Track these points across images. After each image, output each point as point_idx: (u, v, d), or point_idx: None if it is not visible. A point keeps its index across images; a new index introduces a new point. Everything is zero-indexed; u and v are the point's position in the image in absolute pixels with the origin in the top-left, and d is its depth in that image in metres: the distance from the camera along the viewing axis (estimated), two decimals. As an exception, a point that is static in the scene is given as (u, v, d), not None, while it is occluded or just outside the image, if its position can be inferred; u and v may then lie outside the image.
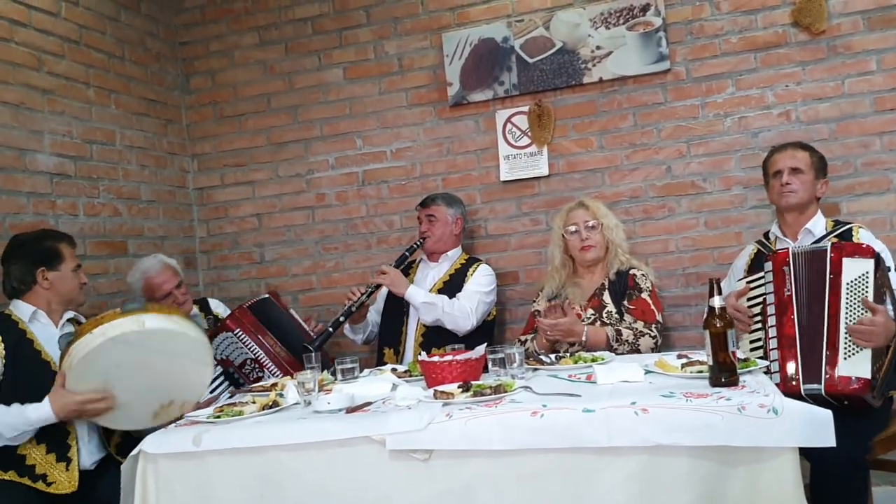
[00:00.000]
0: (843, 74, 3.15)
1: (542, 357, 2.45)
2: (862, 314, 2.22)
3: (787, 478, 1.64)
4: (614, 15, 3.37)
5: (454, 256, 3.32)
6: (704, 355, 1.92)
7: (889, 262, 2.39)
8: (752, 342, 2.48)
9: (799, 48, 3.20)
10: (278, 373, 2.96)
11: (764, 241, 2.76)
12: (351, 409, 1.98)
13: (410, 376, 2.46)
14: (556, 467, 1.75)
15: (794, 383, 2.24)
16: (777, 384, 2.15)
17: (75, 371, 2.16)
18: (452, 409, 1.87)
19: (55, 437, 2.34)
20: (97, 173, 3.36)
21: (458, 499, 1.79)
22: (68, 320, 2.53)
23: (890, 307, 2.25)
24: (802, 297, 2.33)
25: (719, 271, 3.12)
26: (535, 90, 3.49)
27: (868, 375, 2.18)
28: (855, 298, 2.24)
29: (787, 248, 2.44)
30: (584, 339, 2.67)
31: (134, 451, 1.97)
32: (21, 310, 2.45)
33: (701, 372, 1.97)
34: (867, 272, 2.25)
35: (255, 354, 3.01)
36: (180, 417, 2.22)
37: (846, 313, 2.24)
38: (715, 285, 1.88)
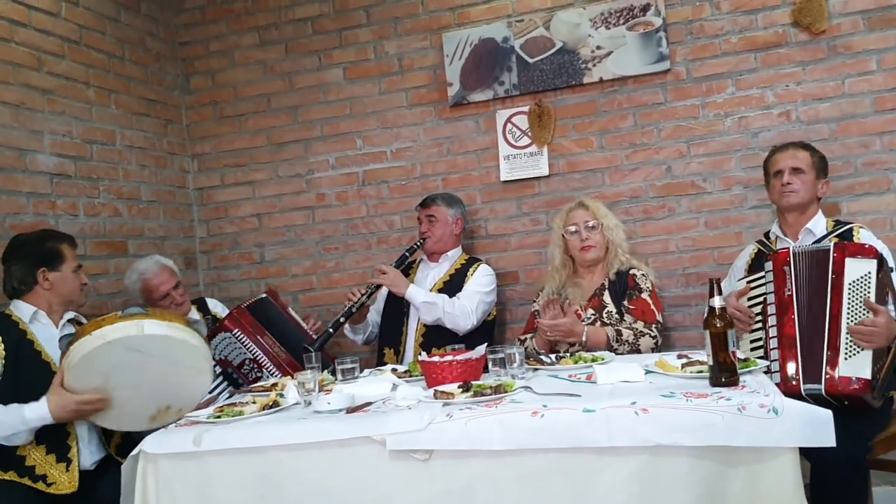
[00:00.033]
0: (843, 74, 3.15)
1: (543, 357, 2.45)
2: (863, 315, 2.22)
3: (788, 478, 1.64)
4: (614, 15, 3.37)
5: (454, 257, 3.32)
6: (704, 355, 1.92)
7: (891, 262, 2.39)
8: (752, 342, 2.49)
9: (799, 48, 3.20)
10: (277, 373, 2.96)
11: (764, 240, 2.76)
12: (351, 410, 1.98)
13: (410, 376, 2.46)
14: (556, 467, 1.75)
15: (794, 383, 2.24)
16: (777, 384, 2.15)
17: (74, 371, 2.16)
18: (452, 409, 1.87)
19: (55, 437, 2.34)
20: (97, 173, 3.36)
21: (459, 499, 1.79)
22: (69, 321, 2.53)
23: (892, 308, 2.25)
24: (803, 296, 2.32)
25: (719, 271, 3.12)
26: (536, 90, 3.49)
27: (868, 376, 2.17)
28: (857, 299, 2.24)
29: (788, 248, 2.44)
30: (584, 339, 2.67)
31: (134, 452, 1.97)
32: (21, 310, 2.45)
33: (701, 372, 1.97)
34: (869, 272, 2.25)
35: (253, 355, 3.01)
36: (178, 419, 2.22)
37: (848, 313, 2.24)
38: (715, 285, 1.88)
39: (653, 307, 2.79)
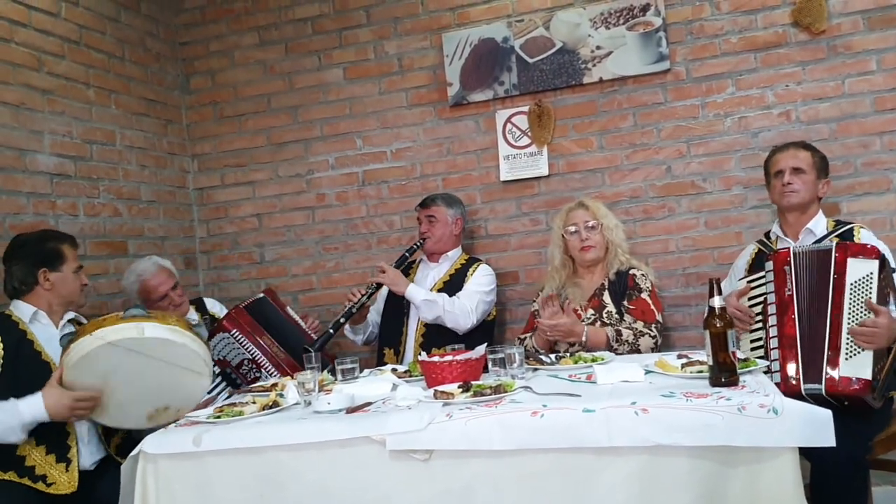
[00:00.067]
0: (843, 74, 3.15)
1: (543, 357, 2.45)
2: (864, 315, 2.22)
3: (787, 478, 1.64)
4: (614, 15, 3.37)
5: (454, 257, 3.32)
6: (704, 355, 1.92)
7: (893, 262, 2.39)
8: (752, 342, 2.49)
9: (799, 48, 3.20)
10: (276, 373, 2.96)
11: (765, 240, 2.77)
12: (351, 410, 1.98)
13: (410, 376, 2.46)
14: (556, 467, 1.75)
15: (794, 383, 2.24)
16: (777, 384, 2.15)
17: (73, 369, 2.16)
18: (452, 409, 1.87)
19: (55, 437, 2.34)
20: (97, 173, 3.36)
21: (458, 499, 1.79)
22: (69, 321, 2.53)
23: (893, 308, 2.25)
24: (804, 296, 2.32)
25: (719, 271, 3.12)
26: (535, 90, 3.49)
27: (869, 376, 2.17)
28: (858, 299, 2.24)
29: (789, 248, 2.44)
30: (584, 339, 2.67)
31: (134, 452, 1.96)
32: (22, 310, 2.45)
33: (701, 372, 1.97)
34: (871, 273, 2.24)
35: (252, 355, 3.01)
36: (176, 420, 2.22)
37: (849, 314, 2.24)
38: (715, 285, 1.88)
39: (652, 307, 2.79)
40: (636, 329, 2.72)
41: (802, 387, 2.23)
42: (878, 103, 3.12)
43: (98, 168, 3.36)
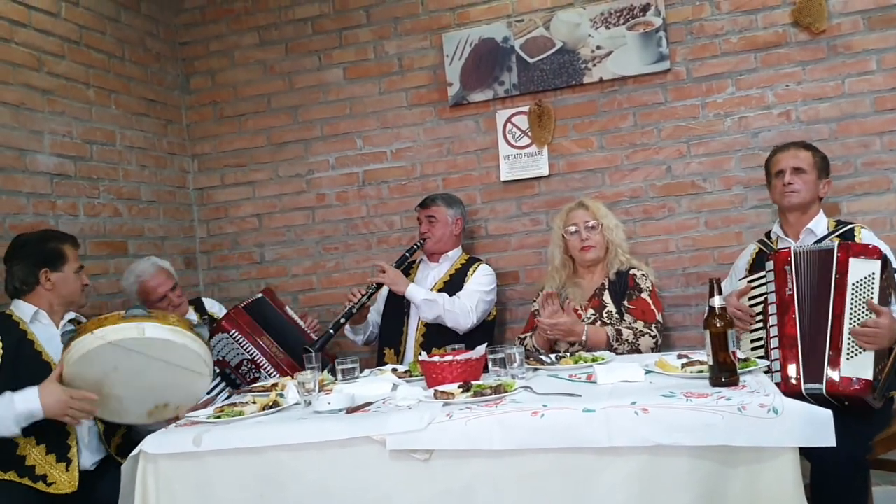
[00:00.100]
0: (843, 74, 3.15)
1: (543, 357, 2.45)
2: (866, 315, 2.22)
3: (788, 478, 1.64)
4: (614, 15, 3.37)
5: (454, 257, 3.32)
6: (704, 355, 1.92)
7: (894, 263, 2.39)
8: (752, 341, 2.49)
9: (799, 48, 3.20)
10: (275, 373, 2.96)
11: (765, 240, 2.77)
12: (351, 410, 1.98)
13: (411, 376, 2.46)
14: (556, 467, 1.75)
15: (795, 383, 2.24)
16: (777, 384, 2.15)
17: (72, 367, 2.16)
18: (453, 409, 1.87)
19: (55, 437, 2.34)
20: (97, 174, 3.36)
21: (459, 499, 1.79)
22: (69, 321, 2.52)
23: (895, 309, 2.25)
24: (805, 296, 2.32)
25: (719, 271, 3.12)
26: (536, 90, 3.49)
27: (870, 377, 2.17)
28: (860, 299, 2.24)
29: (789, 248, 2.44)
30: (584, 338, 2.67)
31: (134, 452, 1.97)
32: (22, 310, 2.45)
33: (701, 372, 1.97)
34: (873, 273, 2.24)
35: (251, 355, 3.01)
36: (176, 419, 2.22)
37: (850, 314, 2.24)
38: (715, 285, 1.88)
39: (653, 307, 2.79)
40: (636, 329, 2.72)
41: (803, 386, 2.23)
42: (878, 103, 3.12)
43: (98, 168, 3.36)
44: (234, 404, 2.18)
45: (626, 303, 2.82)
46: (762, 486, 1.66)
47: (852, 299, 2.25)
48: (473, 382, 2.09)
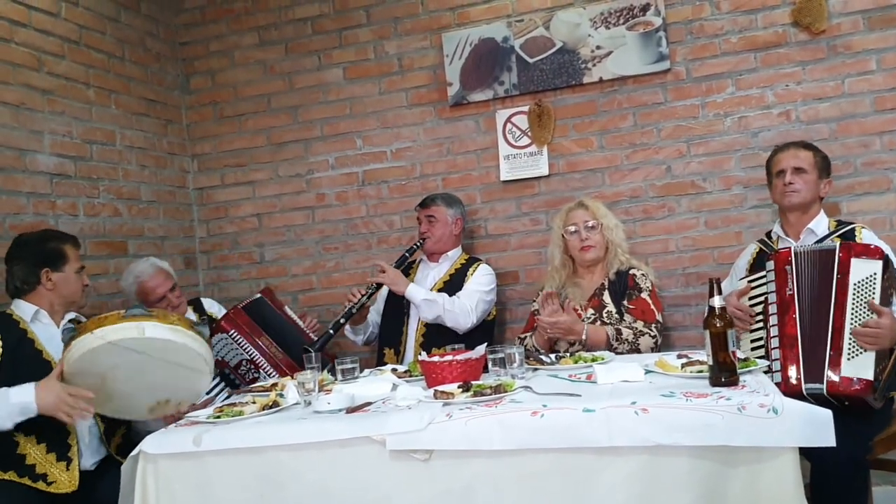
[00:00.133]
0: (843, 74, 3.15)
1: (543, 357, 2.45)
2: (867, 315, 2.21)
3: (788, 478, 1.64)
4: (614, 15, 3.37)
5: (454, 257, 3.32)
6: (704, 355, 1.92)
7: (895, 262, 2.39)
8: (753, 341, 2.48)
9: (799, 48, 3.20)
10: (274, 374, 2.96)
11: (766, 240, 2.76)
12: (351, 410, 1.98)
13: (410, 376, 2.46)
14: (556, 467, 1.75)
15: (795, 383, 2.24)
16: (777, 384, 2.15)
17: (73, 366, 2.16)
18: (452, 409, 1.87)
19: (55, 436, 2.34)
20: (97, 173, 3.36)
21: (459, 499, 1.79)
22: (69, 321, 2.52)
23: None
24: (805, 296, 2.32)
25: (719, 271, 3.12)
26: (535, 90, 3.49)
27: (871, 377, 2.17)
28: (861, 299, 2.23)
29: (790, 248, 2.44)
30: (583, 337, 2.67)
31: (134, 452, 1.96)
32: (23, 309, 2.45)
33: (701, 372, 1.97)
34: (875, 273, 2.24)
35: (250, 355, 3.00)
36: (176, 417, 2.23)
37: (852, 314, 2.23)
38: (715, 285, 1.88)
39: (652, 307, 2.79)
40: (636, 328, 2.72)
41: (803, 386, 2.23)
42: (878, 103, 3.12)
43: (98, 168, 3.36)
44: (233, 404, 2.18)
45: (625, 303, 2.82)
46: (762, 486, 1.66)
47: (854, 299, 2.24)
48: (473, 382, 2.09)
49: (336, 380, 2.42)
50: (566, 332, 2.67)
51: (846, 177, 3.14)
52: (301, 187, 3.86)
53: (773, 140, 3.12)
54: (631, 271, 2.88)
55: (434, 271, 3.30)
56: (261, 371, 3.00)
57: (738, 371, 1.86)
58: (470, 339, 2.97)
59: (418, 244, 3.26)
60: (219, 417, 2.05)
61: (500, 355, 2.19)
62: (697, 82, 3.32)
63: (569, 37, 3.43)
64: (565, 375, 2.19)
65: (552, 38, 3.46)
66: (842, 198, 3.15)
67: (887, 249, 2.39)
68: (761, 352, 2.40)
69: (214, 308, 3.32)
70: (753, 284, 2.51)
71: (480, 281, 3.18)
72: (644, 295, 2.81)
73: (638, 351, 2.67)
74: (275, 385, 2.40)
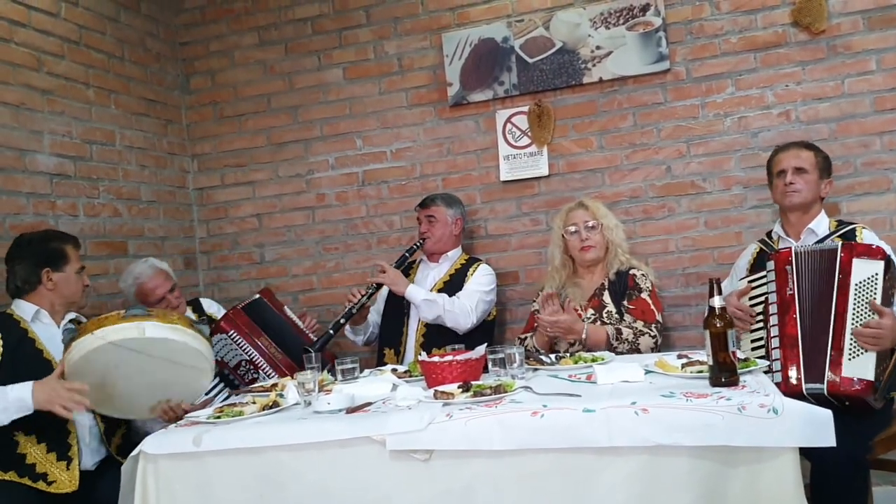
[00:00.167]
0: (843, 74, 3.15)
1: (543, 357, 2.45)
2: (869, 316, 2.21)
3: (788, 478, 1.64)
4: (614, 15, 3.37)
5: (454, 257, 3.32)
6: (704, 355, 1.92)
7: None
8: (753, 341, 2.48)
9: (799, 48, 3.20)
10: (273, 374, 2.96)
11: (766, 240, 2.76)
12: (351, 410, 1.98)
13: (411, 376, 2.46)
14: (556, 467, 1.75)
15: (795, 383, 2.24)
16: (778, 384, 2.15)
17: (74, 367, 2.16)
18: (453, 409, 1.87)
19: (55, 435, 2.34)
20: (97, 174, 3.36)
21: (459, 499, 1.79)
22: (70, 321, 2.53)
23: None
24: (806, 296, 2.32)
25: (719, 271, 3.12)
26: (535, 90, 3.49)
27: (871, 377, 2.17)
28: (863, 300, 2.23)
29: (790, 248, 2.44)
30: (583, 336, 2.67)
31: (134, 452, 1.97)
32: (24, 309, 2.45)
33: (701, 372, 1.97)
34: (877, 273, 2.24)
35: (249, 356, 3.00)
36: (178, 418, 2.23)
37: (853, 314, 2.23)
38: (715, 285, 1.88)
39: (652, 307, 2.79)
40: (636, 328, 2.72)
41: (804, 386, 2.23)
42: (877, 103, 3.12)
43: (98, 168, 3.36)
44: (233, 404, 2.18)
45: (625, 303, 2.82)
46: (762, 486, 1.66)
47: (855, 300, 2.24)
48: (473, 382, 2.09)
49: (336, 380, 2.42)
50: (566, 331, 2.67)
51: (846, 177, 3.14)
52: (301, 187, 3.86)
53: (773, 140, 3.12)
54: (631, 271, 2.88)
55: (434, 271, 3.30)
56: (260, 372, 3.00)
57: (739, 371, 1.86)
58: (470, 339, 2.97)
59: (418, 244, 3.26)
60: (219, 418, 2.05)
61: (501, 355, 2.19)
62: (697, 82, 3.32)
63: (569, 37, 3.43)
64: (565, 376, 2.20)
65: (552, 38, 3.46)
66: (842, 198, 3.15)
67: (888, 250, 2.39)
68: (761, 352, 2.40)
69: (214, 308, 3.31)
70: (754, 284, 2.51)
71: (480, 281, 3.18)
72: (644, 295, 2.81)
73: (638, 351, 2.67)
74: (275, 385, 2.40)
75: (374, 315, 3.34)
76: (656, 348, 2.71)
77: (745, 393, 1.75)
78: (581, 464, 1.73)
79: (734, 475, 1.68)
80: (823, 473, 2.11)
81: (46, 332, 2.44)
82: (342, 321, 3.01)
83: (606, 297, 2.85)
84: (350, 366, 2.41)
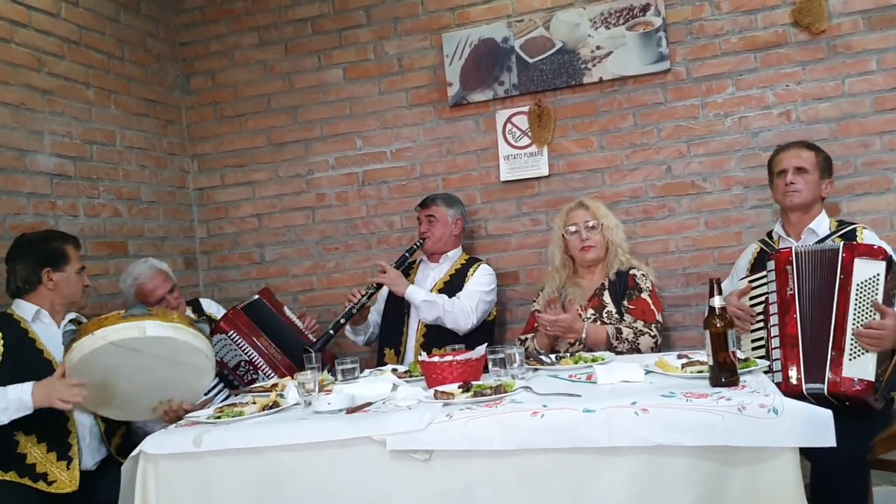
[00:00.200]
0: (843, 74, 3.15)
1: (543, 357, 2.45)
2: (870, 316, 2.21)
3: (788, 478, 1.64)
4: (614, 15, 3.37)
5: (454, 257, 3.32)
6: (704, 355, 1.92)
7: None
8: (753, 341, 2.48)
9: (799, 48, 3.20)
10: (272, 375, 2.96)
11: (767, 240, 2.76)
12: (351, 410, 1.98)
13: (411, 376, 2.46)
14: (556, 467, 1.75)
15: (795, 382, 2.24)
16: (778, 383, 2.15)
17: (74, 368, 2.16)
18: (453, 409, 1.87)
19: (55, 435, 2.35)
20: (97, 174, 3.36)
21: (459, 499, 1.79)
22: (70, 321, 2.53)
23: None
24: (807, 296, 2.32)
25: (719, 271, 3.12)
26: (535, 90, 3.49)
27: (872, 378, 2.17)
28: (864, 300, 2.23)
29: (790, 247, 2.44)
30: (583, 335, 2.67)
31: (134, 452, 1.97)
32: (24, 309, 2.45)
33: (701, 372, 1.97)
34: (878, 274, 2.23)
35: (249, 356, 3.00)
36: (178, 418, 2.23)
37: (854, 315, 2.23)
38: (715, 285, 1.88)
39: (652, 307, 2.79)
40: (636, 328, 2.72)
41: (804, 386, 2.23)
42: (878, 103, 3.11)
43: (98, 168, 3.36)
44: (234, 404, 2.18)
45: (625, 303, 2.82)
46: (762, 486, 1.66)
47: (856, 300, 2.24)
48: (473, 382, 2.09)
49: (336, 380, 2.42)
50: (566, 329, 2.67)
51: (846, 177, 3.14)
52: (301, 187, 3.86)
53: (774, 140, 3.12)
54: (631, 271, 2.88)
55: (434, 272, 3.30)
56: (259, 372, 2.99)
57: (739, 371, 1.86)
58: (470, 339, 2.97)
59: (418, 244, 3.26)
60: (219, 418, 2.05)
61: (501, 355, 2.19)
62: (697, 82, 3.32)
63: (569, 37, 3.43)
64: (565, 376, 2.20)
65: (552, 38, 3.46)
66: (842, 198, 3.15)
67: (890, 250, 2.39)
68: (762, 352, 2.40)
69: (213, 308, 3.31)
70: (754, 284, 2.51)
71: (481, 281, 3.18)
72: (644, 295, 2.81)
73: (638, 350, 2.67)
74: (275, 385, 2.40)
75: (375, 315, 3.34)
76: (656, 348, 2.71)
77: (745, 393, 1.75)
78: (581, 464, 1.73)
79: (734, 475, 1.68)
80: (823, 473, 2.11)
81: (47, 332, 2.44)
82: (342, 321, 3.01)
83: (606, 297, 2.85)
84: (350, 366, 2.42)
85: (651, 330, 2.72)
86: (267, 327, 3.10)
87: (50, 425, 2.28)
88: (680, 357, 2.18)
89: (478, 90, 3.55)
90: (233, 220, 3.97)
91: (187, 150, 3.99)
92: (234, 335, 3.00)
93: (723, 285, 1.97)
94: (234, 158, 3.94)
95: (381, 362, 3.17)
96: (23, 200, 2.97)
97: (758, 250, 2.74)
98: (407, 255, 3.23)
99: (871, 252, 2.28)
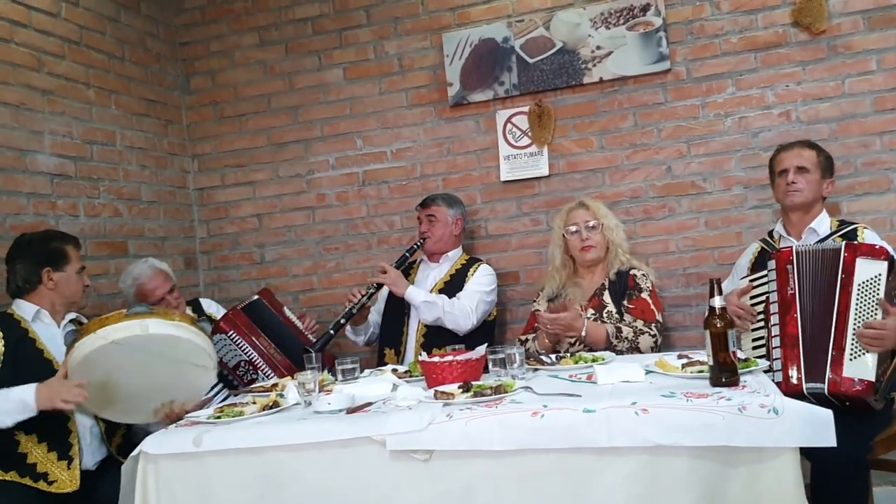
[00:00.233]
0: (843, 74, 3.15)
1: (543, 357, 2.45)
2: (871, 316, 2.21)
3: (788, 478, 1.64)
4: (614, 15, 3.37)
5: (455, 257, 3.32)
6: (705, 355, 1.92)
7: None
8: (754, 341, 2.48)
9: (799, 48, 3.20)
10: (272, 374, 2.96)
11: (768, 239, 2.76)
12: (351, 410, 1.98)
13: (411, 377, 2.46)
14: (556, 467, 1.75)
15: (796, 382, 2.24)
16: (778, 383, 2.15)
17: (77, 368, 2.16)
18: (453, 409, 1.87)
19: (56, 435, 2.35)
20: (97, 174, 3.36)
21: (459, 499, 1.79)
22: (70, 321, 2.53)
23: None
24: (807, 296, 2.32)
25: (720, 271, 3.12)
26: (536, 90, 3.49)
27: (872, 378, 2.17)
28: (865, 300, 2.23)
29: (791, 247, 2.44)
30: (583, 333, 2.66)
31: (134, 452, 1.97)
32: (24, 309, 2.45)
33: (701, 372, 1.97)
34: (880, 274, 2.23)
35: (248, 356, 3.00)
36: (179, 418, 2.23)
37: (855, 314, 2.23)
38: (715, 285, 1.88)
39: (652, 307, 2.79)
40: (636, 327, 2.72)
41: (804, 386, 2.23)
42: (878, 103, 3.11)
43: (98, 168, 3.36)
44: (234, 404, 2.18)
45: (625, 303, 2.82)
46: (762, 486, 1.66)
47: (858, 300, 2.24)
48: (473, 383, 2.09)
49: (336, 380, 2.42)
50: (566, 328, 2.67)
51: (846, 177, 3.14)
52: (301, 187, 3.86)
53: (774, 140, 3.12)
54: (631, 271, 2.88)
55: (434, 272, 3.30)
56: (259, 372, 3.00)
57: (739, 371, 1.86)
58: (470, 339, 2.97)
59: (418, 244, 3.26)
60: (219, 418, 2.05)
61: (501, 356, 2.19)
62: (698, 82, 3.32)
63: (569, 37, 3.43)
64: (565, 376, 2.20)
65: (552, 38, 3.46)
66: (842, 198, 3.15)
67: (891, 250, 2.39)
68: (762, 351, 2.40)
69: (213, 308, 3.31)
70: (755, 284, 2.51)
71: (481, 281, 3.18)
72: (644, 295, 2.81)
73: (638, 350, 2.67)
74: (275, 385, 2.40)
75: (375, 315, 3.34)
76: (656, 348, 2.71)
77: (745, 393, 1.75)
78: (581, 464, 1.73)
79: (734, 475, 1.68)
80: (824, 473, 2.11)
81: (47, 331, 2.44)
82: (342, 321, 3.01)
83: (607, 297, 2.85)
84: (350, 366, 2.42)
85: (651, 329, 2.72)
86: (267, 327, 3.10)
87: (50, 425, 2.28)
88: (680, 357, 2.18)
89: (478, 90, 3.55)
90: (233, 220, 3.97)
91: (187, 150, 3.99)
92: (233, 335, 3.00)
93: (723, 285, 1.97)
94: (235, 158, 3.94)
95: (381, 362, 3.17)
96: (23, 200, 2.97)
97: (759, 250, 2.73)
98: (407, 255, 3.23)
99: (874, 252, 2.28)
